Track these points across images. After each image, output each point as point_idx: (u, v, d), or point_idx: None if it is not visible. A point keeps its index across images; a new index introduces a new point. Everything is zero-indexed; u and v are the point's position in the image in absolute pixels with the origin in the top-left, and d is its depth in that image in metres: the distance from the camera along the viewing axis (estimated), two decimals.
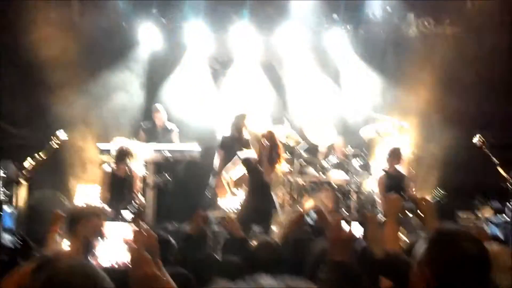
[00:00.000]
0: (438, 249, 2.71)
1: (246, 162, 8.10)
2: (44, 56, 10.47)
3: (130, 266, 3.06)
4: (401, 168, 9.50)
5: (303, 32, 11.64)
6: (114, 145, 8.82)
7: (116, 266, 4.56)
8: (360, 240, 4.02)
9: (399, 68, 11.24)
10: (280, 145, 8.01)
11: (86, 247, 4.49)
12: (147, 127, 10.80)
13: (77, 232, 4.59)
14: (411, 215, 4.90)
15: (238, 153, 8.90)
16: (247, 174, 8.19)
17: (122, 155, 8.54)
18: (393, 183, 9.08)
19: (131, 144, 8.78)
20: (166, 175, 9.34)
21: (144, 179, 9.28)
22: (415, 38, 11.44)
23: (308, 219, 6.19)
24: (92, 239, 4.47)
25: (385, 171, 9.34)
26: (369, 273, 3.36)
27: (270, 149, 7.73)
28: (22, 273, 3.68)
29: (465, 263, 2.63)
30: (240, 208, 8.26)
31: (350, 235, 3.18)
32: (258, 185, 7.83)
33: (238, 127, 9.87)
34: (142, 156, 8.96)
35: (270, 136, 7.85)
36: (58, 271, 2.65)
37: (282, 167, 8.03)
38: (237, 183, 9.25)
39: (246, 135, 9.90)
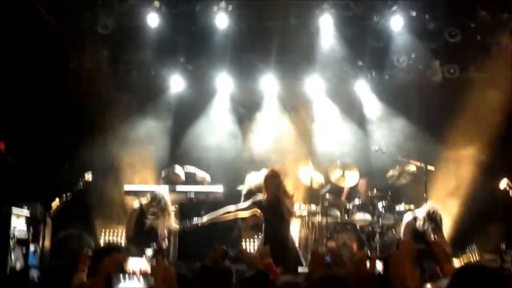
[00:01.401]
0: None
1: (257, 204, 8.08)
2: (75, 101, 10.73)
3: None
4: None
5: (328, 79, 11.74)
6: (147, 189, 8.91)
7: None
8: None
9: (424, 113, 11.23)
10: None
11: (108, 283, 4.50)
12: (168, 177, 10.81)
13: (100, 269, 4.61)
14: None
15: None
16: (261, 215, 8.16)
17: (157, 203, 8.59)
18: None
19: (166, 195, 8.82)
20: (192, 221, 9.31)
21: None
22: (440, 84, 11.44)
23: (328, 259, 6.20)
24: (113, 275, 4.49)
25: (415, 217, 9.06)
26: None
27: (279, 185, 7.75)
28: None
29: None
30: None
31: (372, 271, 3.19)
32: (274, 220, 7.80)
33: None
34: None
35: (276, 174, 7.83)
36: None
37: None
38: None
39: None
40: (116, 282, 4.48)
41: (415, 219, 8.89)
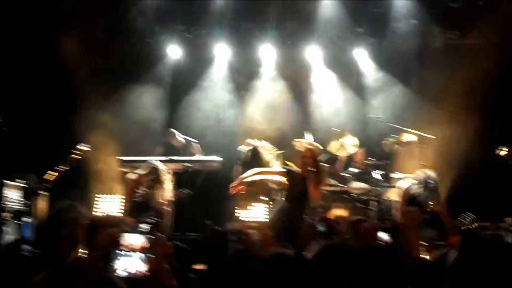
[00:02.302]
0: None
1: (290, 173, 7.97)
2: (68, 71, 10.60)
3: (150, 276, 3.06)
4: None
5: (327, 46, 11.59)
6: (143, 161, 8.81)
7: (133, 276, 4.52)
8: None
9: (423, 80, 11.11)
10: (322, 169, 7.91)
11: (104, 257, 4.47)
12: (167, 143, 10.77)
13: (96, 243, 4.57)
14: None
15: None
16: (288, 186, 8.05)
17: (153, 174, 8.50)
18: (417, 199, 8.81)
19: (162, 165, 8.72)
20: (188, 189, 9.25)
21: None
22: (440, 50, 11.29)
23: (320, 228, 6.22)
24: (112, 251, 4.45)
25: (411, 185, 8.97)
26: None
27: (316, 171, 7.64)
28: (36, 281, 3.66)
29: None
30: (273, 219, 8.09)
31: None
32: (299, 197, 7.72)
33: (255, 153, 9.69)
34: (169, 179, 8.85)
35: (314, 156, 7.75)
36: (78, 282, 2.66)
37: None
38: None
39: (266, 155, 9.71)
40: (114, 258, 4.45)
41: (411, 186, 8.83)
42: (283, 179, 8.04)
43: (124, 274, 4.39)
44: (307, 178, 7.66)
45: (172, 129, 10.91)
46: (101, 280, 2.68)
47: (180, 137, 10.79)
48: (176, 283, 3.13)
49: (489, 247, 2.89)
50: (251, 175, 8.18)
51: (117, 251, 4.38)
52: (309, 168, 7.65)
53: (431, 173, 8.51)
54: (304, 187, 7.69)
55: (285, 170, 8.11)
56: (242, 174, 8.77)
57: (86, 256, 4.57)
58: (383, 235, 4.74)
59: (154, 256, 4.04)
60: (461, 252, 3.01)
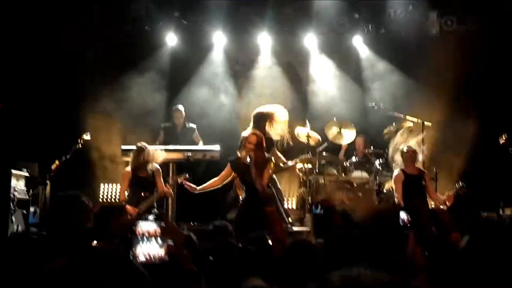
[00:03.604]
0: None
1: (233, 164, 7.95)
2: (68, 59, 10.60)
3: (169, 261, 3.10)
4: (420, 168, 9.24)
5: (324, 32, 11.60)
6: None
7: (153, 261, 4.60)
8: None
9: (421, 67, 11.15)
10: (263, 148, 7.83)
11: (128, 243, 4.52)
12: (167, 127, 10.80)
13: (111, 230, 4.61)
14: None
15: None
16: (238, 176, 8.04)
17: (140, 153, 8.49)
18: (411, 182, 8.86)
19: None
20: (187, 174, 9.26)
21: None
22: (438, 37, 11.34)
23: (315, 210, 6.29)
24: (133, 237, 4.51)
25: (402, 170, 9.03)
26: None
27: (256, 153, 7.60)
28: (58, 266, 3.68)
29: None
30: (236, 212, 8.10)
31: None
32: (248, 188, 7.71)
33: (258, 126, 9.67)
34: (161, 154, 8.85)
35: (254, 140, 7.70)
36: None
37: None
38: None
39: (271, 135, 9.67)
40: (135, 243, 4.52)
41: (403, 172, 8.86)
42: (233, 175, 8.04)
43: (144, 259, 4.47)
44: (249, 165, 7.63)
45: (180, 106, 10.90)
46: (124, 266, 2.73)
47: (183, 116, 10.83)
48: (195, 268, 3.18)
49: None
50: (205, 186, 8.19)
51: (137, 237, 4.44)
52: (249, 155, 7.61)
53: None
54: (249, 174, 7.66)
55: (228, 164, 8.05)
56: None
57: (103, 243, 4.61)
58: (403, 215, 4.82)
59: (172, 242, 4.10)
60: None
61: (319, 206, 7.52)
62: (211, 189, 8.22)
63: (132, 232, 4.53)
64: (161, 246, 4.48)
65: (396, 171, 8.94)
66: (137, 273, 2.69)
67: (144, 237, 4.51)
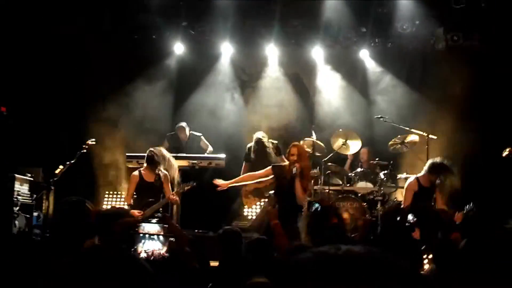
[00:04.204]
0: None
1: (275, 169, 7.96)
2: (73, 65, 10.64)
3: (170, 257, 3.11)
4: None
5: (331, 45, 11.65)
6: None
7: (154, 258, 4.60)
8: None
9: (426, 81, 11.17)
10: (307, 157, 7.84)
11: (130, 241, 4.52)
12: (171, 136, 10.83)
13: (112, 233, 4.61)
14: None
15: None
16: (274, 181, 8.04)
17: (153, 159, 8.49)
18: (422, 193, 8.78)
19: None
20: (194, 183, 9.23)
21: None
22: (444, 52, 11.36)
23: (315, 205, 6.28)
24: (135, 235, 4.51)
25: (418, 178, 8.92)
26: None
27: (301, 164, 7.59)
28: (61, 265, 3.68)
29: None
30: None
31: None
32: (284, 192, 7.70)
33: (260, 143, 9.74)
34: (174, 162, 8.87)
35: (295, 151, 7.69)
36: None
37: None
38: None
39: (269, 144, 9.81)
40: (138, 241, 4.52)
41: (417, 180, 8.76)
42: (268, 179, 8.02)
43: (145, 255, 4.47)
44: (292, 175, 7.60)
45: (183, 123, 10.93)
46: (127, 260, 2.72)
47: (188, 132, 10.86)
48: (197, 265, 3.17)
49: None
50: (237, 180, 8.19)
51: (139, 236, 4.45)
52: (294, 165, 7.60)
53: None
54: (290, 183, 7.67)
55: (271, 167, 8.07)
56: (249, 170, 8.83)
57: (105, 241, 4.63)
58: (409, 216, 4.82)
59: (173, 239, 4.10)
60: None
61: (317, 205, 7.50)
62: (241, 184, 8.20)
63: (135, 231, 4.53)
64: (163, 244, 4.48)
65: (411, 178, 8.77)
66: (140, 269, 2.69)
67: (146, 236, 4.52)
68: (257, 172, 8.12)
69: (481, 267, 3.01)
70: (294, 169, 7.51)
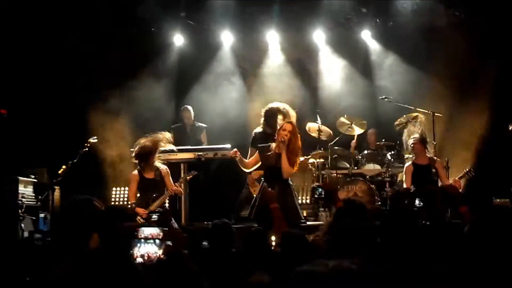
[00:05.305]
0: None
1: (260, 148, 7.81)
2: (73, 63, 10.62)
3: (167, 261, 3.09)
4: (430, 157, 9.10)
5: (332, 28, 11.57)
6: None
7: (151, 262, 4.57)
8: None
9: (430, 59, 11.06)
10: (299, 137, 7.71)
11: (126, 246, 4.49)
12: (176, 128, 10.80)
13: (113, 234, 4.59)
14: None
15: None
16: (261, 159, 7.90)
17: (142, 155, 8.38)
18: (420, 172, 8.74)
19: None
20: (195, 172, 9.16)
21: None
22: (445, 28, 11.21)
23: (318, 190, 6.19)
24: (132, 240, 4.49)
25: (412, 162, 8.93)
26: None
27: (289, 140, 7.45)
28: (59, 270, 3.67)
29: None
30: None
31: None
32: (269, 172, 7.61)
33: (269, 122, 9.57)
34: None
35: (290, 128, 7.58)
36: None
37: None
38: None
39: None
40: (134, 246, 4.50)
41: (413, 164, 8.76)
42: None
43: (142, 260, 4.44)
44: (280, 152, 7.39)
45: (188, 106, 10.92)
46: (123, 266, 2.70)
47: (192, 116, 10.87)
48: (195, 267, 3.13)
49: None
50: (243, 163, 8.10)
51: (137, 240, 4.43)
52: (281, 141, 7.36)
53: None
54: (276, 159, 7.43)
55: (258, 147, 7.84)
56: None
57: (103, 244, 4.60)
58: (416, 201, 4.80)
59: (170, 243, 4.08)
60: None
61: (320, 189, 7.48)
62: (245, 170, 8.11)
63: (133, 235, 4.50)
64: (159, 247, 4.46)
65: (407, 163, 8.90)
66: (135, 274, 2.67)
67: (142, 240, 4.51)
68: (250, 159, 8.05)
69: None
70: (282, 140, 7.37)
